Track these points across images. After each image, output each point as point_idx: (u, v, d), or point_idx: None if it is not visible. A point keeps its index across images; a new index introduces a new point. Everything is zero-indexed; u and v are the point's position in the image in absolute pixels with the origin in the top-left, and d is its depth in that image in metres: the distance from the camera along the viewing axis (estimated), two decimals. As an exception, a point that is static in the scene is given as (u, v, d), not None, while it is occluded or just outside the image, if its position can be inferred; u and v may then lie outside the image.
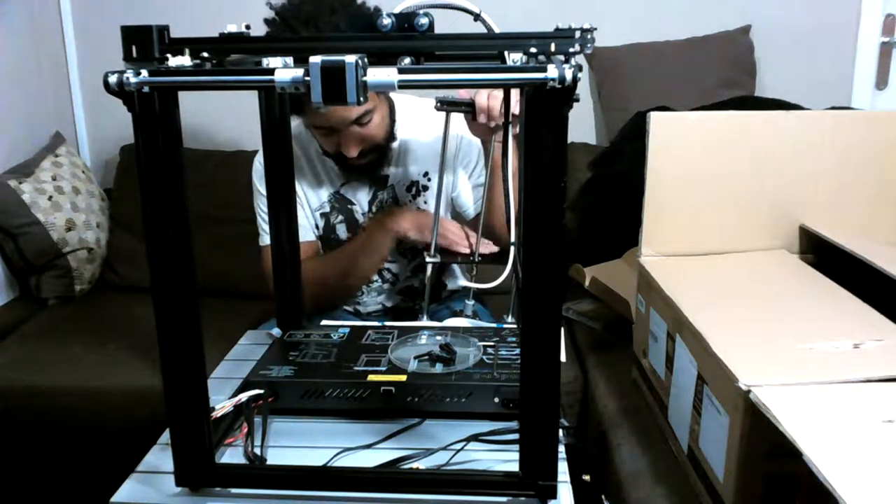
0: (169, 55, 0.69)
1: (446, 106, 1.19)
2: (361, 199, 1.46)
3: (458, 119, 1.24)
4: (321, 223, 1.47)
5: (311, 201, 1.46)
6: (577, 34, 0.71)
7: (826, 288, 1.04)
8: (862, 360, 0.82)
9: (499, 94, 1.14)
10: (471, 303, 1.21)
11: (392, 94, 1.40)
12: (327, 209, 1.47)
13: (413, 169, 1.45)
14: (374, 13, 0.75)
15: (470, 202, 1.49)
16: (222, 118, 2.12)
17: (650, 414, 1.15)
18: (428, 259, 1.26)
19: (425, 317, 1.26)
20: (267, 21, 1.21)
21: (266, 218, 1.44)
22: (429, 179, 1.46)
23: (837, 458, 0.63)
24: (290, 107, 1.25)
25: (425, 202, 1.47)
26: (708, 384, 0.88)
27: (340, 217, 1.47)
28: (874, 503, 0.58)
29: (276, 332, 1.11)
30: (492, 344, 1.03)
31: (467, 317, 1.20)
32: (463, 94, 1.22)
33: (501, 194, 1.33)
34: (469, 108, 1.17)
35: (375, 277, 1.53)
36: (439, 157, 1.25)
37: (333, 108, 1.23)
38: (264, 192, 1.42)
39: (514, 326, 1.11)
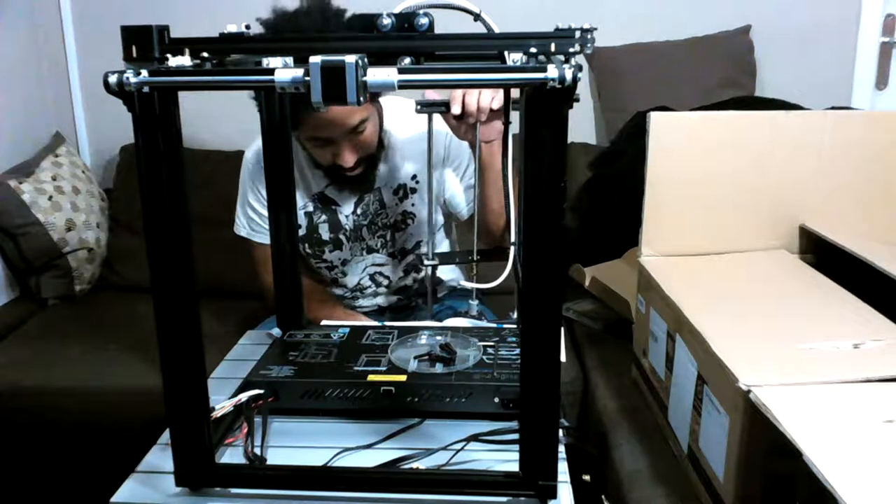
0: (169, 55, 0.69)
1: (426, 108, 1.15)
2: (346, 201, 1.44)
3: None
4: (304, 222, 1.45)
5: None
6: (577, 34, 0.71)
7: (826, 288, 1.04)
8: (862, 360, 0.82)
9: (473, 91, 1.11)
10: (475, 303, 1.21)
11: (381, 99, 1.37)
12: (311, 208, 1.45)
13: (401, 171, 1.43)
14: (374, 15, 0.75)
15: (463, 204, 1.47)
16: (222, 118, 2.11)
17: (650, 414, 1.15)
18: (426, 262, 1.25)
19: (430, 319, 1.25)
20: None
21: (248, 212, 1.45)
22: (417, 182, 1.43)
23: (837, 458, 0.63)
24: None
25: (412, 205, 1.45)
26: (708, 384, 0.88)
27: (323, 217, 1.45)
28: (874, 503, 0.58)
29: (276, 332, 1.11)
30: (492, 344, 1.03)
31: (472, 317, 1.20)
32: (432, 95, 1.19)
33: (491, 192, 1.32)
34: (447, 108, 1.14)
35: (369, 283, 1.52)
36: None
37: (330, 119, 1.22)
38: (256, 186, 1.43)
39: (514, 326, 1.11)
